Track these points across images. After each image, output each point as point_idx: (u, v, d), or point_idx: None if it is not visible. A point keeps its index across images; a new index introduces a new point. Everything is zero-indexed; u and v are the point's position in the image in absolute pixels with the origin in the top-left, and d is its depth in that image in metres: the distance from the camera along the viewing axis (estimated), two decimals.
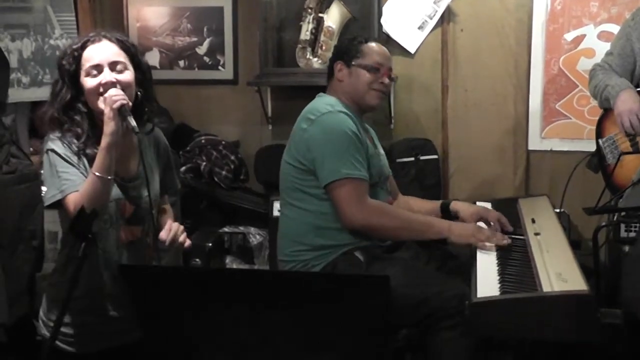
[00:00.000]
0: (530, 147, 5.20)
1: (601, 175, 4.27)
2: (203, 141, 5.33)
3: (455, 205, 3.92)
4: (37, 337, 4.39)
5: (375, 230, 3.56)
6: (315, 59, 5.04)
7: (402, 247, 3.76)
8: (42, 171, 3.11)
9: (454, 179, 5.31)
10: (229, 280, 2.38)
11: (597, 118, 4.33)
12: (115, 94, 2.96)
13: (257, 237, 5.13)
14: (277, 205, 4.76)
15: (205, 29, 5.52)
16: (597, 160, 4.30)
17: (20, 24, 5.02)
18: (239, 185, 5.32)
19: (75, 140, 3.03)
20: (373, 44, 3.83)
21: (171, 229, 3.17)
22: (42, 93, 5.16)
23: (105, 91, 2.99)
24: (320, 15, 5.05)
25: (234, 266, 5.05)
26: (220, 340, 2.35)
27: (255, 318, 2.27)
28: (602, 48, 4.84)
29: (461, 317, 3.06)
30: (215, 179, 5.22)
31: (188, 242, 3.26)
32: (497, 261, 3.28)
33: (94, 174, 2.93)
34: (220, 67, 5.54)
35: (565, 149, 5.11)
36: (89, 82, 3.03)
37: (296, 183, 3.66)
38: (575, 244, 3.91)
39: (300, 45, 5.09)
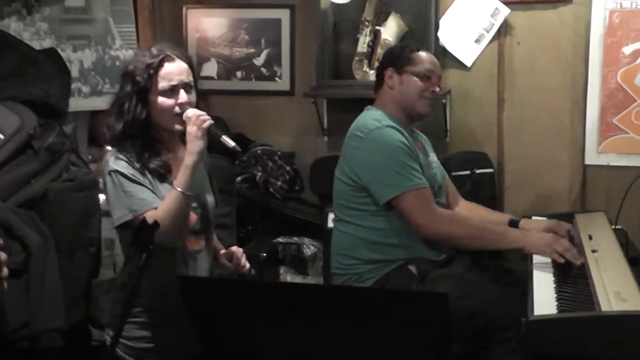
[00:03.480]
0: (587, 162, 5.14)
1: None
2: (259, 151, 5.36)
3: (525, 224, 3.90)
4: (92, 342, 4.45)
5: (446, 240, 3.56)
6: (372, 72, 5.03)
7: (456, 260, 3.75)
8: (104, 192, 3.16)
9: (510, 192, 5.28)
10: (285, 294, 2.39)
11: None
12: (201, 113, 3.06)
13: (311, 248, 5.14)
14: (331, 217, 4.77)
15: (262, 41, 5.55)
16: None
17: (82, 35, 5.09)
18: (293, 196, 5.33)
19: (136, 156, 3.09)
20: (424, 53, 3.83)
21: (234, 256, 3.34)
22: (101, 102, 5.23)
23: (182, 111, 3.09)
24: (377, 27, 5.05)
25: (288, 277, 5.07)
26: (276, 354, 2.36)
27: (311, 332, 2.27)
28: None
29: (515, 331, 3.06)
30: (271, 189, 5.24)
31: (248, 266, 3.38)
32: (554, 278, 3.27)
33: (178, 191, 3.01)
34: (277, 78, 5.57)
35: (623, 164, 5.05)
36: (163, 101, 3.11)
37: (349, 200, 3.67)
38: (633, 261, 3.88)
39: (357, 58, 5.09)
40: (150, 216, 2.96)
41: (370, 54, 5.09)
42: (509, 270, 3.77)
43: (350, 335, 2.25)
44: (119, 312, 3.19)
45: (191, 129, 3.04)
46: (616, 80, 5.04)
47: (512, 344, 3.25)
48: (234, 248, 3.41)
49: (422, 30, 5.03)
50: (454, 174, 5.01)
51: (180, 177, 3.03)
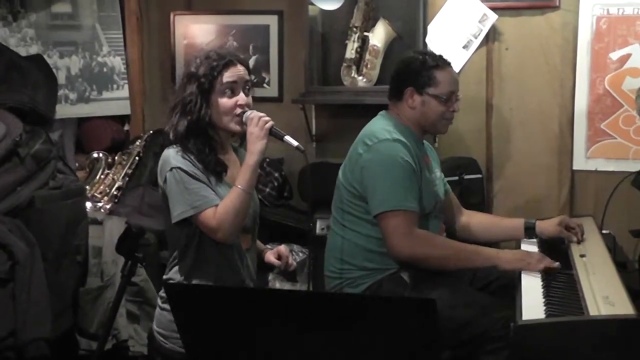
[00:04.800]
0: (575, 167, 5.14)
1: None
2: None
3: (541, 225, 3.95)
4: (80, 351, 4.42)
5: (423, 261, 3.54)
6: (361, 78, 5.03)
7: None
8: (165, 189, 3.21)
9: (498, 198, 5.28)
10: (274, 300, 2.37)
11: None
12: (262, 115, 3.20)
13: (300, 254, 5.11)
14: (320, 224, 4.76)
15: (251, 47, 5.53)
16: None
17: (69, 42, 5.09)
18: (282, 202, 5.31)
19: (197, 154, 3.19)
20: (445, 70, 3.73)
21: (282, 254, 3.50)
22: (89, 109, 5.23)
23: (242, 112, 3.22)
24: (366, 34, 5.04)
25: (277, 283, 5.04)
26: None
27: (300, 339, 2.26)
28: None
29: (506, 340, 3.05)
30: (259, 196, 5.21)
31: (295, 264, 3.54)
32: (542, 283, 3.27)
33: (239, 189, 3.12)
34: (265, 85, 5.55)
35: (611, 169, 5.05)
36: (225, 102, 3.22)
37: (349, 206, 3.65)
38: (621, 266, 3.89)
39: (345, 64, 5.07)
40: (211, 213, 3.11)
41: (358, 60, 5.08)
42: (499, 277, 3.75)
43: (340, 342, 2.23)
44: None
45: (253, 130, 3.16)
46: (604, 85, 5.05)
47: (504, 353, 3.23)
48: (282, 247, 3.55)
49: (410, 36, 5.01)
50: None
51: (243, 176, 3.15)
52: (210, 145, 3.23)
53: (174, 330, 3.24)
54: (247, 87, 3.28)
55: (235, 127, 3.24)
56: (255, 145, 3.15)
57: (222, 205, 3.12)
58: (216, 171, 3.22)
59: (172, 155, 3.18)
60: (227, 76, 3.20)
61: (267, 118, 3.19)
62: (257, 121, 3.16)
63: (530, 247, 3.87)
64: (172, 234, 3.29)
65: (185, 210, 3.12)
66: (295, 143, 3.25)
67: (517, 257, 3.52)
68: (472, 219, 4.08)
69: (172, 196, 3.16)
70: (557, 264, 3.42)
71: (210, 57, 3.23)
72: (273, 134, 3.21)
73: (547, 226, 3.92)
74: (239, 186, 3.12)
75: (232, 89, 3.22)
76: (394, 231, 3.50)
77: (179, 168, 3.14)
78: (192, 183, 3.13)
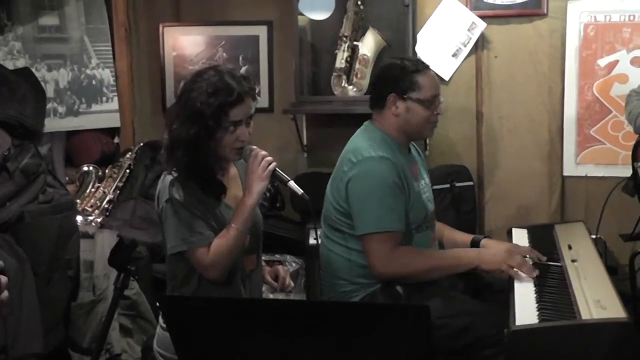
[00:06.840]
0: (565, 173, 5.17)
1: (637, 200, 4.24)
2: None
3: (486, 243, 3.87)
4: None
5: (407, 277, 3.53)
6: (351, 87, 5.03)
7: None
8: (163, 218, 3.13)
9: (490, 205, 5.28)
10: (268, 310, 2.37)
11: (631, 144, 4.31)
12: (266, 154, 3.07)
13: (293, 264, 5.11)
14: (313, 234, 4.75)
15: (240, 58, 5.52)
16: (633, 184, 4.27)
17: (57, 54, 5.08)
18: (274, 213, 5.30)
19: (197, 184, 3.08)
20: (425, 74, 3.67)
21: (280, 275, 3.42)
22: (78, 122, 5.22)
23: (243, 146, 3.09)
24: (355, 43, 5.05)
25: (270, 294, 5.04)
26: None
27: (294, 348, 2.25)
28: (636, 74, 4.90)
29: (501, 346, 3.05)
30: None
31: (293, 285, 3.47)
32: (534, 288, 3.27)
33: (236, 228, 3.05)
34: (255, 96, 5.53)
35: (600, 174, 5.07)
36: (228, 137, 3.07)
37: (337, 222, 3.63)
38: (612, 270, 3.89)
39: (335, 74, 5.08)
40: (205, 251, 3.04)
41: (348, 70, 5.08)
42: (491, 283, 3.75)
43: (335, 350, 2.23)
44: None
45: (255, 169, 3.05)
46: (592, 92, 5.07)
47: (500, 358, 3.23)
48: (279, 267, 3.47)
49: (399, 45, 5.01)
50: (434, 187, 4.99)
51: (240, 216, 3.06)
52: (210, 171, 3.14)
53: None
54: (251, 118, 3.12)
55: (234, 157, 3.15)
56: (256, 186, 3.06)
57: (216, 244, 3.05)
58: (215, 195, 3.13)
59: (170, 184, 3.08)
60: (235, 114, 3.04)
61: (270, 158, 3.07)
62: (260, 160, 3.05)
63: (520, 240, 3.93)
64: (172, 261, 3.21)
65: (179, 244, 3.06)
66: (300, 191, 3.08)
67: (498, 260, 3.49)
68: (437, 230, 4.04)
69: (167, 228, 3.09)
70: (536, 272, 3.41)
71: (218, 91, 3.02)
72: (276, 177, 3.10)
73: (491, 248, 3.81)
74: (234, 225, 3.04)
75: (237, 125, 3.06)
76: (375, 253, 3.49)
77: (177, 200, 3.05)
78: (188, 217, 3.04)
